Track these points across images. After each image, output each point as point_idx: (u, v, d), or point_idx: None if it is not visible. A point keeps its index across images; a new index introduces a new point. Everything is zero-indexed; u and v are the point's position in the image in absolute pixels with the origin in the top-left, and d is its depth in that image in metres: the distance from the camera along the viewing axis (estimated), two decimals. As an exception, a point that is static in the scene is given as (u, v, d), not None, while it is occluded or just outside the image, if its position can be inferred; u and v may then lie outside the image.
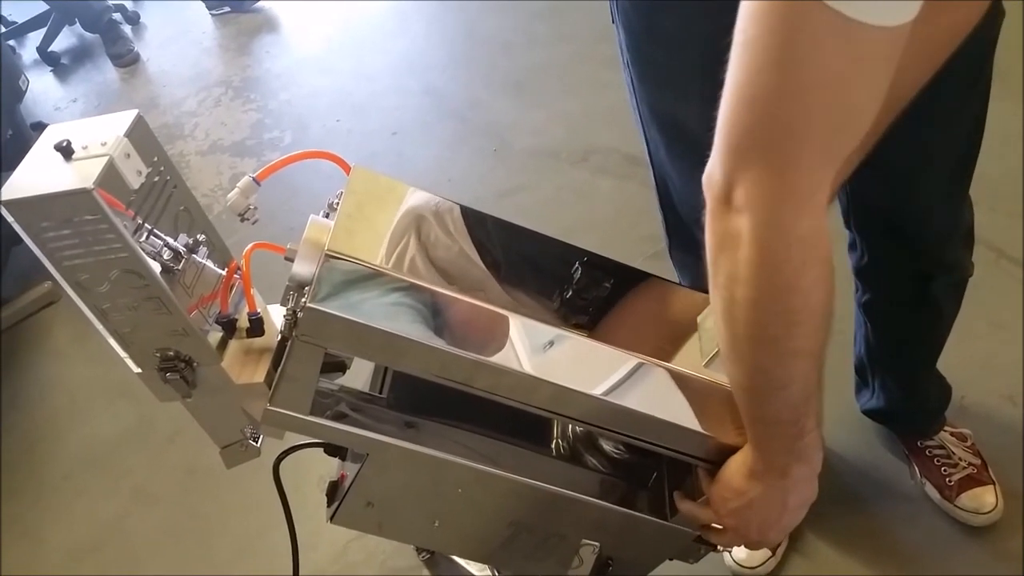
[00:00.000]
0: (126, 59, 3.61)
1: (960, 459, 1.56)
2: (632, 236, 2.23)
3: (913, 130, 0.85)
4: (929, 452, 1.59)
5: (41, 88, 3.57)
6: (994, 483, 1.55)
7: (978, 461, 1.57)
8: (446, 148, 2.73)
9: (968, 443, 1.58)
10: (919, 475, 1.60)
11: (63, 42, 3.85)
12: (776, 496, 0.81)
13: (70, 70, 3.75)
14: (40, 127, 3.05)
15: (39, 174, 0.72)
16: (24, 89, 2.48)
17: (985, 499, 1.54)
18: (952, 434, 1.59)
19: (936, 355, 1.47)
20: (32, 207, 0.71)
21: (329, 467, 1.06)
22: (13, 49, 3.75)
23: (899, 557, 1.54)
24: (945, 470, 1.57)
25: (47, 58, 3.72)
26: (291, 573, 1.22)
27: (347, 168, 0.87)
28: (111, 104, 3.43)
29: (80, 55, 3.82)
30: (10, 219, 0.72)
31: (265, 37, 3.63)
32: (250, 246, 0.87)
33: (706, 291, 0.82)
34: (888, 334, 1.46)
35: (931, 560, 1.53)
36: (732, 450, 0.81)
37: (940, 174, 1.16)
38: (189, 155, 2.97)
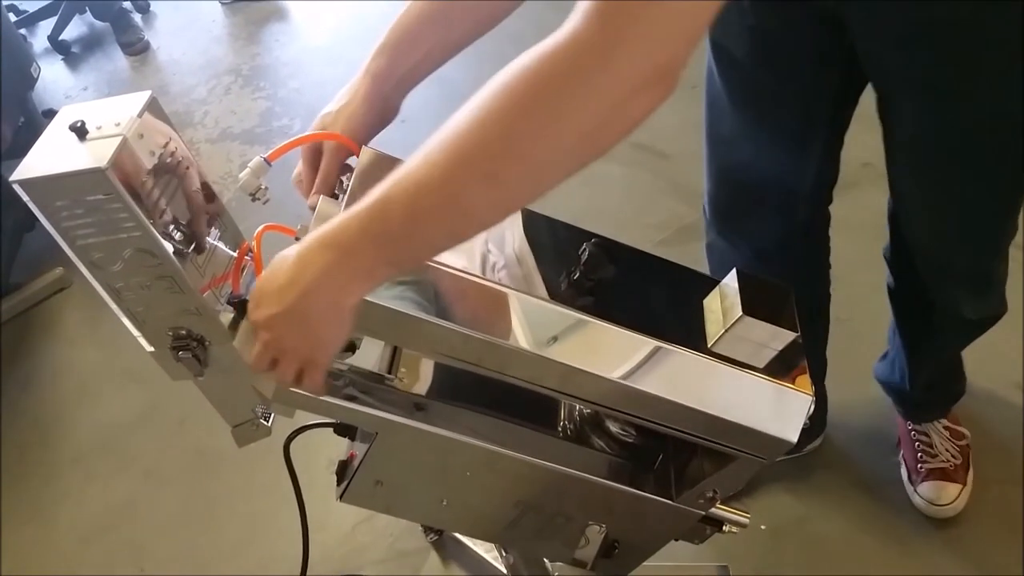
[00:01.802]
0: (136, 47, 3.62)
1: (940, 452, 1.57)
2: (640, 223, 2.23)
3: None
4: (913, 435, 1.60)
5: (52, 76, 3.58)
6: (965, 485, 1.56)
7: (959, 461, 1.57)
8: (455, 136, 2.72)
9: (961, 442, 1.59)
10: (901, 453, 1.62)
11: (74, 30, 3.86)
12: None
13: (81, 58, 3.76)
14: (51, 115, 3.07)
15: (54, 154, 0.72)
16: (36, 77, 2.49)
17: (944, 492, 1.55)
18: (947, 428, 1.59)
19: (945, 359, 1.46)
20: (47, 186, 0.71)
21: (337, 450, 1.07)
22: (24, 37, 3.76)
23: (910, 543, 1.55)
24: (921, 456, 1.58)
25: (58, 46, 3.73)
26: (300, 553, 1.23)
27: (357, 150, 0.88)
28: (121, 92, 3.34)
29: (91, 43, 3.83)
30: (25, 198, 0.73)
31: (274, 26, 3.64)
32: (261, 227, 0.89)
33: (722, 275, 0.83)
34: (902, 324, 1.46)
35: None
36: (739, 429, 0.82)
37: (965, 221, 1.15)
38: (199, 143, 2.98)
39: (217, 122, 3.08)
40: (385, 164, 0.86)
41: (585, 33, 0.58)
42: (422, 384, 0.95)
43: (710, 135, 1.27)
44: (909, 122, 1.05)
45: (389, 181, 0.66)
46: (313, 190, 0.88)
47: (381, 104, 0.90)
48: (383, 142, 0.90)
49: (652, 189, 2.34)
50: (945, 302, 1.28)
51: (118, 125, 0.73)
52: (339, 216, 0.69)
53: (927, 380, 1.51)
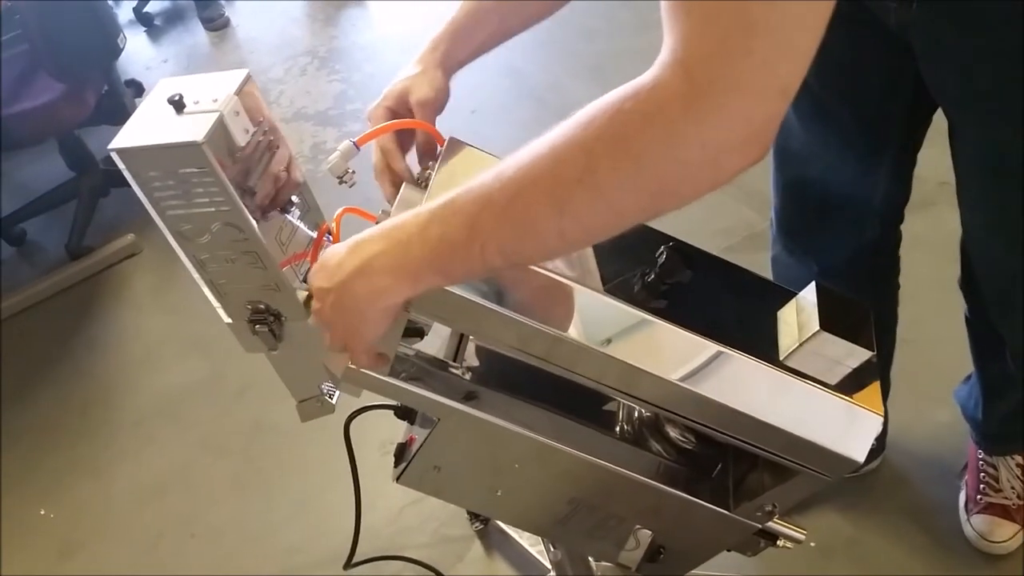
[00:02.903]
0: (217, 23, 3.69)
1: (1005, 488, 1.53)
2: (708, 229, 2.21)
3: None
4: (982, 464, 1.56)
5: (133, 47, 3.66)
6: (1023, 526, 1.52)
7: (1023, 502, 1.53)
8: (523, 129, 2.72)
9: None
10: (965, 477, 1.58)
11: (157, 4, 3.95)
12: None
13: (162, 31, 3.84)
14: (133, 84, 3.16)
15: (151, 125, 0.75)
16: (122, 47, 2.54)
17: (999, 529, 1.51)
18: (1019, 465, 1.54)
19: (1012, 396, 1.42)
20: (142, 156, 0.74)
21: (390, 434, 1.08)
22: (110, 9, 3.86)
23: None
24: (983, 488, 1.54)
25: (142, 18, 3.82)
26: (345, 529, 1.24)
27: (441, 139, 0.89)
28: (200, 66, 3.52)
29: (173, 17, 3.91)
30: (121, 166, 0.75)
31: (352, 10, 3.68)
32: (341, 210, 0.90)
33: (797, 287, 0.82)
34: (977, 356, 1.44)
35: None
36: (806, 445, 0.81)
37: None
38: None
39: (292, 102, 3.13)
40: (470, 157, 0.87)
41: (671, 87, 0.55)
42: (486, 373, 0.96)
43: (778, 149, 1.26)
44: (971, 148, 1.03)
45: (459, 188, 0.65)
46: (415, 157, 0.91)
47: (446, 83, 0.93)
48: (451, 131, 0.91)
49: (722, 193, 2.28)
50: (1013, 338, 1.25)
51: (215, 101, 0.75)
52: (408, 212, 0.68)
53: (1003, 414, 1.47)
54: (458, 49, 0.94)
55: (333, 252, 0.74)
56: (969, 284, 1.27)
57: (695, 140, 0.55)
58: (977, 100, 0.97)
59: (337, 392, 0.98)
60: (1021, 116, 0.94)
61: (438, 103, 0.92)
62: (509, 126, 2.75)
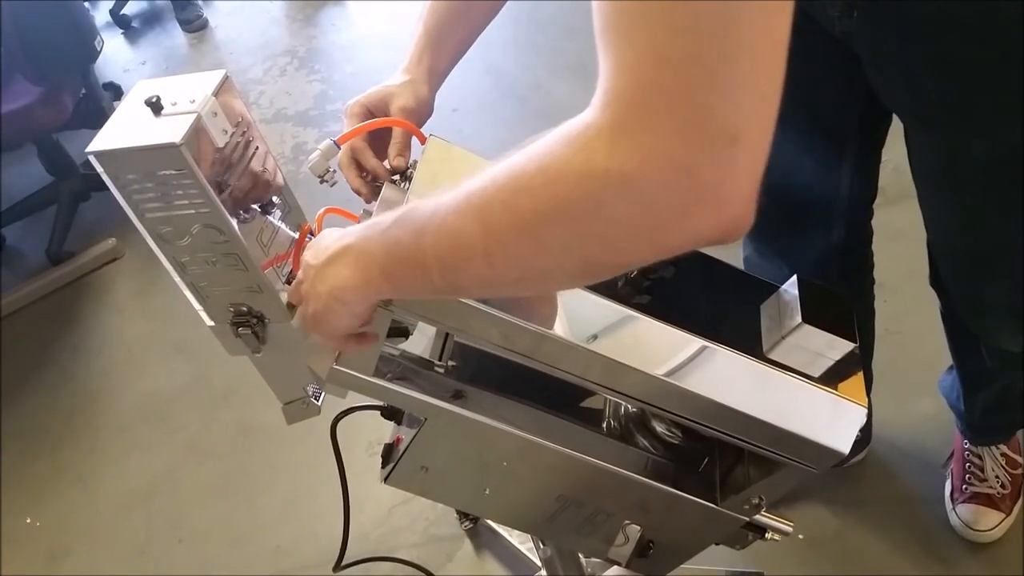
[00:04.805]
0: (195, 25, 3.67)
1: (989, 477, 1.54)
2: (689, 224, 2.22)
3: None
4: (967, 454, 1.57)
5: (111, 50, 3.64)
6: (1008, 515, 1.53)
7: (1007, 491, 1.54)
8: (505, 127, 2.73)
9: (1015, 471, 1.55)
10: (950, 466, 1.60)
11: (135, 5, 3.92)
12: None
13: (140, 33, 3.82)
14: (111, 87, 3.14)
15: (129, 128, 0.74)
16: (99, 50, 2.52)
17: (984, 518, 1.52)
18: (1004, 455, 1.55)
19: (1005, 387, 1.42)
20: (120, 159, 0.73)
21: (377, 434, 1.08)
22: (87, 10, 3.83)
23: (950, 563, 1.53)
24: (968, 478, 1.55)
25: (119, 20, 3.80)
26: (334, 531, 1.24)
27: (422, 138, 0.89)
28: (179, 68, 3.50)
29: (150, 19, 3.89)
30: (99, 169, 0.74)
31: (332, 9, 3.66)
32: (323, 210, 0.90)
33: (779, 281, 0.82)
34: (954, 350, 1.44)
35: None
36: (791, 437, 0.81)
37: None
38: (253, 122, 3.02)
39: (272, 103, 3.12)
40: (451, 154, 0.87)
41: (595, 126, 0.49)
42: (472, 372, 0.96)
43: None
44: (923, 152, 1.04)
45: (401, 216, 0.63)
46: (395, 153, 0.90)
47: (431, 97, 0.95)
48: (433, 130, 0.91)
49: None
50: (982, 333, 1.26)
51: (193, 102, 0.74)
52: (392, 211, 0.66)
53: (985, 405, 1.48)
54: (440, 59, 0.96)
55: (329, 233, 0.73)
56: (938, 282, 1.28)
57: (618, 186, 0.48)
58: (923, 107, 0.97)
59: (323, 394, 0.98)
60: (967, 123, 0.94)
61: (420, 115, 0.92)
62: (491, 125, 2.74)
